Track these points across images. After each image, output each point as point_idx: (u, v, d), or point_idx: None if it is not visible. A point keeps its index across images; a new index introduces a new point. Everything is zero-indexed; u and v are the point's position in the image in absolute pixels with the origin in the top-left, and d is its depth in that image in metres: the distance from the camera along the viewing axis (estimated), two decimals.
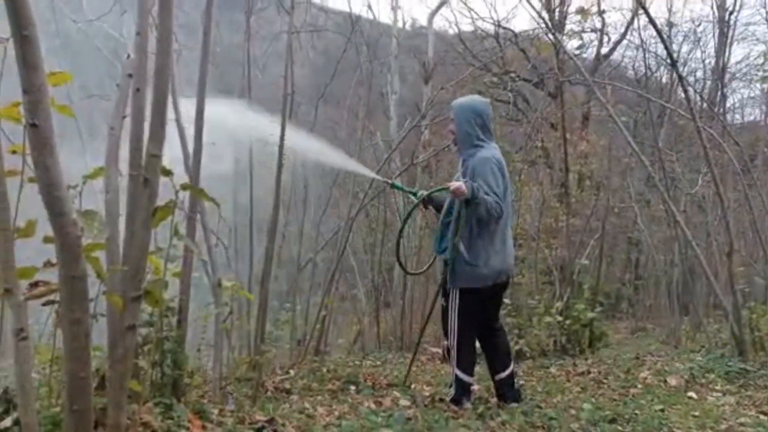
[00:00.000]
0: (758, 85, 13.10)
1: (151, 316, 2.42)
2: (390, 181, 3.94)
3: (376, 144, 9.36)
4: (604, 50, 14.05)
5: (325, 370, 4.41)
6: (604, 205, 8.15)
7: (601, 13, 11.33)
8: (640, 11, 11.81)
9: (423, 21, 14.85)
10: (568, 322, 6.07)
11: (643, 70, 12.41)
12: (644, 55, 9.23)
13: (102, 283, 2.02)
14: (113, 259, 2.04)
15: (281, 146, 3.50)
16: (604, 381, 4.32)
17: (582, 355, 5.75)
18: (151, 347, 2.34)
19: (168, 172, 2.04)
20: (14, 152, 1.89)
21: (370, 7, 13.57)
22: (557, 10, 12.18)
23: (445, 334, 3.55)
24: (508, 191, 3.41)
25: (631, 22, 11.91)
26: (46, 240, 1.98)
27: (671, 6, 13.72)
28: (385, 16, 14.98)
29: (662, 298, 10.25)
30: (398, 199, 8.30)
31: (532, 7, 8.49)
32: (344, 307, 8.97)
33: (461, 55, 12.26)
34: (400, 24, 14.54)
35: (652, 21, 3.98)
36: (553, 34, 6.51)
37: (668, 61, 5.01)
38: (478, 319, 3.51)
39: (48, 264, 2.07)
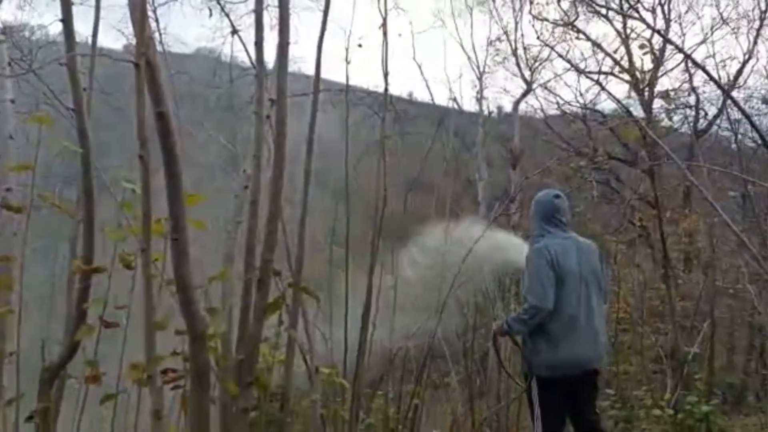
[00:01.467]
0: None
1: (258, 401, 2.67)
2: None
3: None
4: (702, 125, 13.63)
5: None
6: (712, 286, 7.66)
7: (692, 90, 11.17)
8: (736, 87, 11.50)
9: (508, 107, 15.36)
10: (680, 416, 5.63)
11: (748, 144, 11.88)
12: (735, 136, 8.88)
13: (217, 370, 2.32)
14: (227, 349, 2.35)
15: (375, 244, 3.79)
16: None
17: None
18: (258, 429, 2.58)
19: (278, 273, 2.36)
20: (156, 260, 2.30)
21: (455, 100, 14.19)
22: (645, 90, 12.17)
23: (532, 422, 3.51)
24: (574, 276, 3.37)
25: (723, 103, 11.59)
26: (178, 332, 2.34)
27: None
28: (470, 105, 15.65)
29: None
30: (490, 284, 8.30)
31: (614, 98, 8.62)
32: (437, 396, 8.83)
33: (547, 141, 12.45)
34: (486, 112, 15.12)
35: (737, 104, 3.96)
36: (636, 121, 6.52)
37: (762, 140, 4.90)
38: (563, 409, 3.44)
39: (174, 353, 2.42)
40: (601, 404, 5.95)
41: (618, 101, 7.83)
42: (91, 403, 2.54)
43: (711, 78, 7.29)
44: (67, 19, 2.15)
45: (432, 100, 7.47)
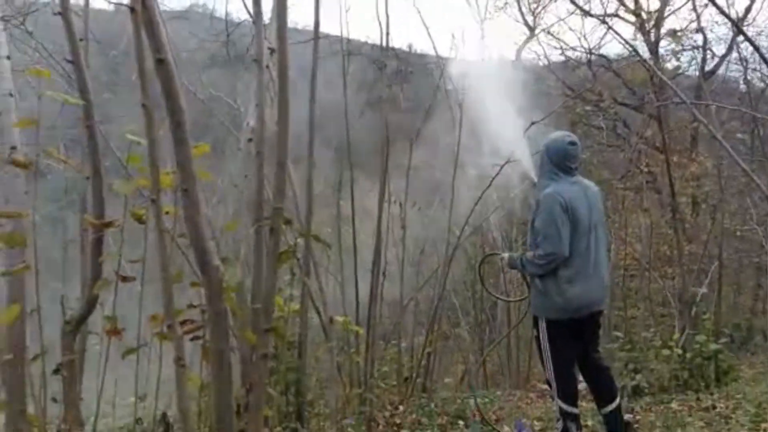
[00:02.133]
0: None
1: (276, 349, 2.72)
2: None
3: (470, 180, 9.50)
4: (710, 66, 13.31)
5: (433, 405, 4.51)
6: (720, 229, 7.65)
7: (699, 30, 10.85)
8: (745, 24, 11.16)
9: (511, 55, 14.97)
10: (689, 355, 5.71)
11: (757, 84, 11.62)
12: (744, 72, 8.66)
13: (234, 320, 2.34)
14: (243, 299, 2.37)
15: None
16: (732, 416, 4.04)
17: (707, 390, 5.37)
18: (278, 377, 2.63)
19: (289, 221, 2.35)
20: (167, 213, 2.29)
21: (456, 49, 13.86)
22: (651, 32, 11.83)
23: (543, 365, 3.58)
24: (584, 223, 3.37)
25: (733, 40, 11.26)
26: (193, 285, 2.36)
27: None
28: (471, 54, 15.30)
29: None
30: (496, 234, 8.33)
31: (621, 38, 8.33)
32: (448, 346, 9.00)
33: (552, 86, 12.19)
34: (487, 59, 14.79)
35: (747, 38, 3.84)
36: (643, 61, 6.35)
37: None
38: (571, 349, 3.51)
39: (191, 306, 2.44)
40: (610, 347, 6.05)
41: (626, 41, 7.63)
42: (113, 358, 2.58)
43: (721, 11, 7.05)
44: None
45: (435, 49, 7.25)
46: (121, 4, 1.77)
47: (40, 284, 2.23)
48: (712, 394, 5.13)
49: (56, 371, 2.09)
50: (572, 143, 3.53)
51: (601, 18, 9.44)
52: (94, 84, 2.41)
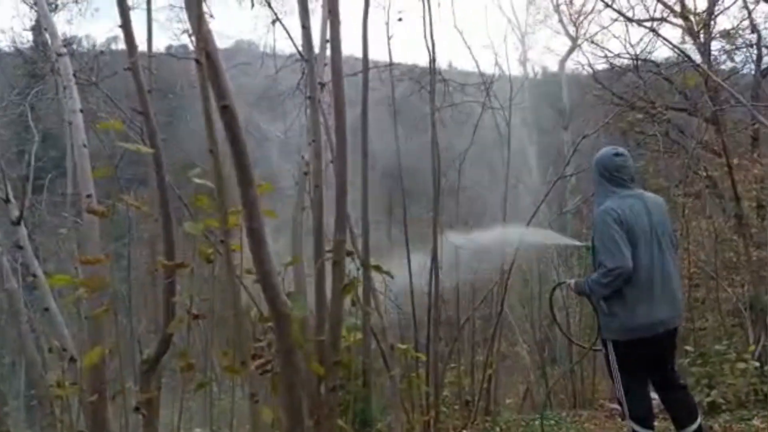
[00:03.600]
0: None
1: (342, 380, 2.74)
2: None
3: (520, 194, 9.38)
4: (766, 64, 12.74)
5: (498, 429, 4.42)
6: None
7: (752, 27, 10.43)
8: None
9: (553, 67, 14.84)
10: (766, 368, 5.40)
11: None
12: None
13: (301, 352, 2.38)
14: (308, 331, 2.41)
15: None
16: None
17: None
18: (344, 408, 2.64)
19: (350, 253, 2.39)
20: (234, 250, 2.37)
21: (499, 65, 13.83)
22: (701, 33, 11.45)
23: (613, 383, 3.44)
24: (645, 237, 3.23)
25: None
26: (261, 320, 2.42)
27: None
28: (515, 69, 15.19)
29: None
30: (553, 252, 8.17)
31: (670, 43, 8.13)
32: (506, 366, 8.81)
33: (599, 96, 11.95)
34: (531, 74, 14.68)
35: None
36: (695, 66, 6.15)
37: None
38: (643, 370, 3.36)
39: (257, 339, 2.50)
40: (680, 362, 5.78)
41: (675, 47, 7.43)
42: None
43: None
44: (126, 25, 2.22)
45: (477, 67, 7.26)
46: (187, 58, 1.87)
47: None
48: None
49: (136, 409, 2.17)
50: (618, 154, 3.44)
51: (647, 25, 9.18)
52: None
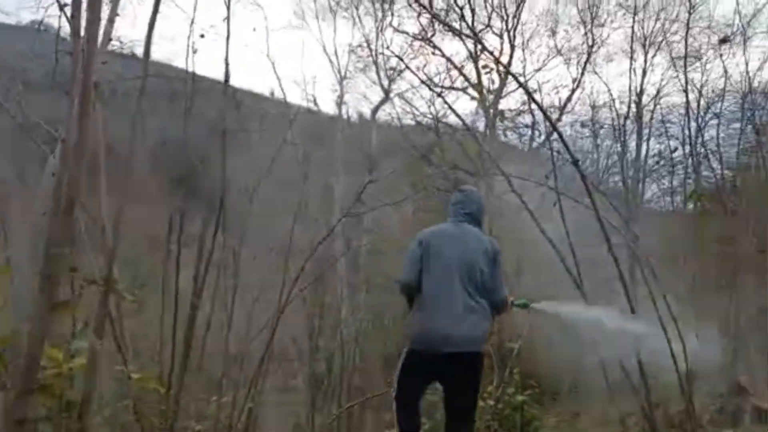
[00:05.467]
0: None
1: (50, 410, 2.42)
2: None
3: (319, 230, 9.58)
4: (536, 143, 15.10)
5: None
6: None
7: (531, 111, 12.32)
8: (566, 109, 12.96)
9: (368, 114, 15.71)
10: (500, 406, 6.15)
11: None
12: (551, 154, 9.96)
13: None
14: (17, 353, 2.10)
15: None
16: None
17: None
18: None
19: (74, 269, 2.16)
20: None
21: (315, 101, 14.25)
22: (490, 108, 13.18)
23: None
24: (448, 262, 3.35)
25: (554, 124, 13.09)
26: None
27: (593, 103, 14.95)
28: (330, 108, 15.81)
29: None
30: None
31: (454, 111, 9.33)
32: (283, 399, 8.74)
33: (402, 147, 12.96)
34: (345, 117, 15.35)
35: (556, 129, 4.44)
36: (473, 135, 7.01)
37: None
38: (418, 385, 3.42)
39: None
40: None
41: (458, 116, 8.49)
42: None
43: (540, 108, 8.28)
44: None
45: (284, 98, 7.37)
46: None
47: None
48: None
49: None
50: (461, 191, 3.73)
51: (438, 92, 10.26)
52: None
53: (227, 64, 5.14)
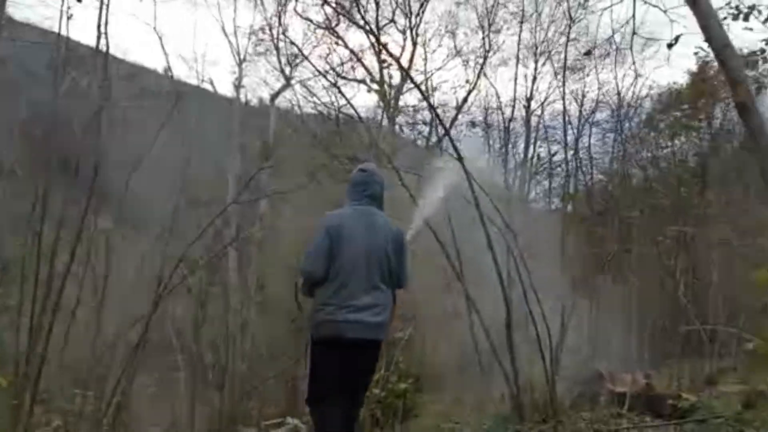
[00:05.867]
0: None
1: None
2: None
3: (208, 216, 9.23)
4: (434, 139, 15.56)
5: None
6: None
7: (430, 108, 12.64)
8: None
9: (267, 98, 15.29)
10: (383, 394, 6.29)
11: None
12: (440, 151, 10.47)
13: None
14: None
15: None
16: None
17: (392, 427, 5.97)
18: None
19: None
20: None
21: (212, 82, 13.69)
22: (390, 103, 13.39)
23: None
24: (356, 248, 3.23)
25: (452, 122, 13.60)
26: None
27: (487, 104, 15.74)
28: (228, 91, 15.23)
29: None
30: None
31: (348, 100, 9.41)
32: (164, 392, 8.35)
33: (301, 135, 12.80)
34: (244, 100, 14.87)
35: (444, 128, 4.57)
36: (367, 128, 7.09)
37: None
38: (335, 375, 3.22)
39: None
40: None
41: (352, 107, 8.60)
42: None
43: (430, 106, 8.67)
44: None
45: (169, 74, 6.92)
46: None
47: None
48: (393, 428, 5.71)
49: None
50: (362, 170, 3.52)
51: (333, 82, 10.24)
52: None
53: (100, 32, 4.77)
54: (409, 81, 14.09)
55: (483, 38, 14.70)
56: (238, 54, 14.09)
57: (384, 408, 6.33)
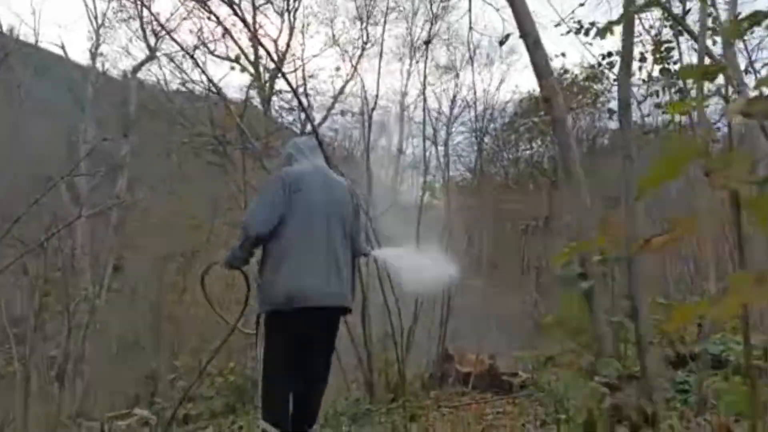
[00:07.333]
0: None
1: None
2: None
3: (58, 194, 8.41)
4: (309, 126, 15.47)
5: None
6: None
7: (306, 94, 12.54)
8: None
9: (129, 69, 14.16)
10: (238, 380, 6.22)
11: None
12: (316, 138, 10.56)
13: None
14: None
15: None
16: None
17: (246, 413, 5.92)
18: None
19: None
20: None
21: (63, 47, 12.35)
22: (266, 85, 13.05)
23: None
24: (315, 207, 2.96)
25: (327, 113, 13.60)
26: None
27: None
28: (84, 58, 13.83)
29: None
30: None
31: (210, 79, 8.98)
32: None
33: (165, 110, 12.04)
34: (101, 69, 13.67)
35: (313, 125, 4.54)
36: (227, 106, 6.89)
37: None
38: (290, 350, 2.91)
39: None
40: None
41: (215, 84, 8.34)
42: None
43: (295, 94, 8.81)
44: None
45: (11, 34, 6.08)
46: None
47: None
48: (247, 413, 5.67)
49: None
50: (311, 137, 3.45)
51: (196, 59, 9.71)
52: None
53: None
54: (286, 64, 13.87)
55: (361, 29, 14.84)
56: (96, 19, 12.91)
57: (237, 395, 6.25)
